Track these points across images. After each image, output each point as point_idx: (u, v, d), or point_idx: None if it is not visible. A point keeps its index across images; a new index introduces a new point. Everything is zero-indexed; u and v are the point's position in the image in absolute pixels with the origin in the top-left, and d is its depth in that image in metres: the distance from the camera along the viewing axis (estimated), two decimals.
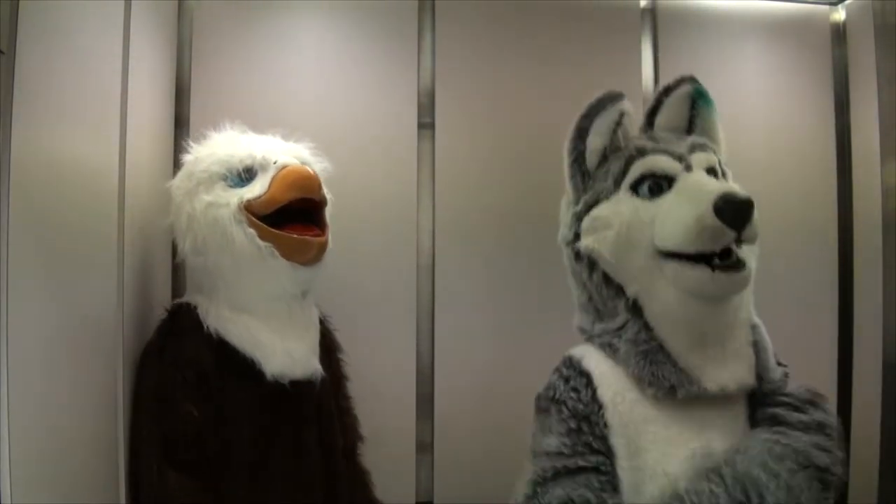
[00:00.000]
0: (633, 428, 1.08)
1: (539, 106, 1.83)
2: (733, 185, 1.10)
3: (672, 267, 1.08)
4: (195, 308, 1.30)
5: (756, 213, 1.04)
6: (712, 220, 1.02)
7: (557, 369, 1.18)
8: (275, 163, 1.30)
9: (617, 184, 1.14)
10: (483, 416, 1.76)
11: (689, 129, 1.22)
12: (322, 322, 1.47)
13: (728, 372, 1.09)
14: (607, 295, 1.15)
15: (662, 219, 1.08)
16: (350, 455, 1.50)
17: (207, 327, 1.27)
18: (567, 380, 1.14)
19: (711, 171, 1.13)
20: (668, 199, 1.09)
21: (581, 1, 1.88)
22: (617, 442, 1.08)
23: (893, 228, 1.84)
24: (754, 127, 1.92)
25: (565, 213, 1.23)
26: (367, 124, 1.76)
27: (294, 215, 1.28)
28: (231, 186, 1.29)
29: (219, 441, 1.25)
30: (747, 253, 1.09)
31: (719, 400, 1.10)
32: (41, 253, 0.96)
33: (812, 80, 1.98)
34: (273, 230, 1.26)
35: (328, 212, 1.37)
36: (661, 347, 1.09)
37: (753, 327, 1.15)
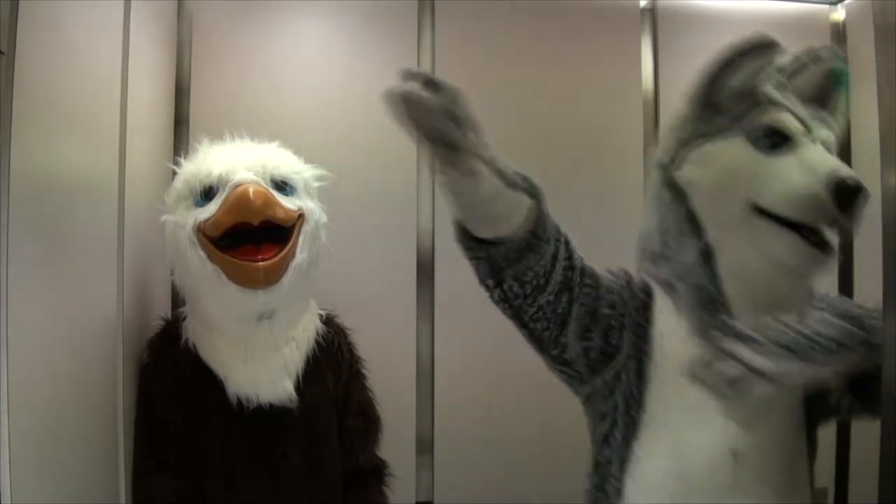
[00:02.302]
0: (672, 360, 1.06)
1: (539, 106, 1.83)
2: (843, 166, 1.06)
3: (763, 227, 1.04)
4: (183, 319, 1.34)
5: (864, 208, 1.02)
6: (825, 194, 1.00)
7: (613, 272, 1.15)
8: (231, 182, 1.24)
9: (738, 127, 1.09)
10: (483, 417, 1.75)
11: (821, 103, 1.16)
12: (325, 337, 1.40)
13: None
14: (684, 231, 1.10)
15: (772, 177, 1.04)
16: (355, 480, 1.42)
17: (186, 340, 1.30)
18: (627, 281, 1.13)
19: (827, 150, 1.10)
20: (785, 160, 1.05)
21: (581, 1, 1.88)
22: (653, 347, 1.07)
23: (893, 229, 1.84)
24: None
25: (668, 134, 1.16)
26: (368, 124, 1.76)
27: (257, 234, 1.22)
28: (194, 206, 1.27)
29: (199, 445, 1.28)
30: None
31: None
32: (40, 253, 0.95)
33: None
34: (220, 253, 1.22)
35: (317, 217, 1.33)
36: (721, 302, 1.06)
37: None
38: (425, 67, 1.82)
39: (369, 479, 1.45)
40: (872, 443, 1.18)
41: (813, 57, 1.15)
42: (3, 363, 0.83)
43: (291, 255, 1.26)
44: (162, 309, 1.49)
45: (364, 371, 1.48)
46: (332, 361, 1.41)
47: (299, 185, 1.33)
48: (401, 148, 1.78)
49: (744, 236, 1.05)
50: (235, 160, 1.27)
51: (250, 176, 1.24)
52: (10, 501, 0.83)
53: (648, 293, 1.13)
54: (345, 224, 1.44)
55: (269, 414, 1.28)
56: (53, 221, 1.00)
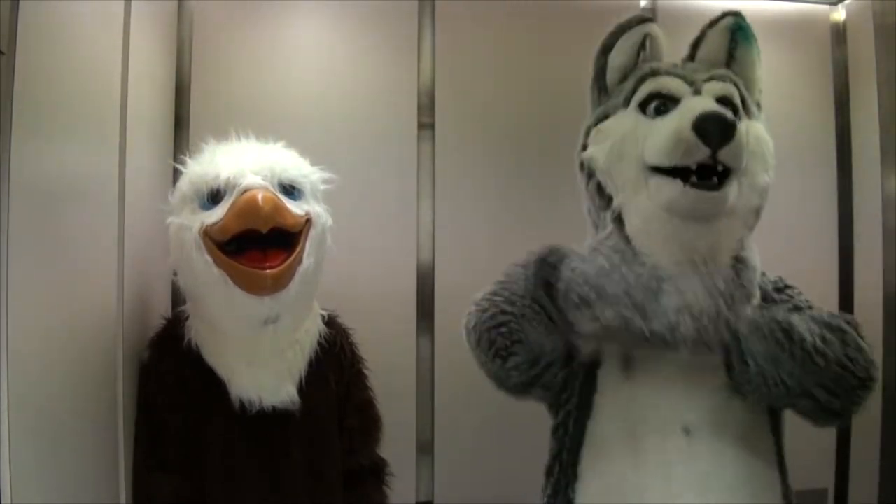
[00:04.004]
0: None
1: (539, 106, 1.83)
2: (713, 106, 1.08)
3: (654, 181, 1.09)
4: (186, 319, 1.33)
5: (739, 137, 1.04)
6: (688, 133, 1.03)
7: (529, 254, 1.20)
8: (238, 186, 1.22)
9: (627, 101, 1.16)
10: (483, 417, 1.75)
11: (729, 63, 1.23)
12: (327, 338, 1.40)
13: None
14: (599, 205, 1.18)
15: (654, 134, 1.10)
16: (355, 480, 1.42)
17: (189, 340, 1.29)
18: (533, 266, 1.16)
19: (724, 102, 1.13)
20: (668, 118, 1.10)
21: (581, 1, 1.88)
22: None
23: (894, 228, 1.84)
24: None
25: (582, 126, 1.25)
26: (368, 124, 1.76)
27: (264, 238, 1.20)
28: (201, 208, 1.25)
29: (199, 445, 1.28)
30: (747, 184, 1.10)
31: None
32: (41, 252, 0.96)
33: (812, 80, 1.98)
34: (227, 259, 1.20)
35: (323, 221, 1.32)
36: (634, 258, 1.10)
37: (738, 259, 1.12)
38: (425, 67, 1.83)
39: (370, 479, 1.46)
40: (872, 443, 1.18)
41: (708, 24, 1.23)
42: (3, 362, 0.83)
43: (298, 260, 1.24)
44: (163, 308, 1.49)
45: (365, 371, 1.48)
46: (334, 362, 1.41)
47: (306, 188, 1.32)
48: (401, 148, 1.79)
49: (642, 194, 1.11)
50: (243, 163, 1.26)
51: (258, 180, 1.23)
52: (10, 501, 0.83)
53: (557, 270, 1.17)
54: (345, 224, 1.44)
55: (271, 415, 1.28)
56: (53, 221, 1.00)
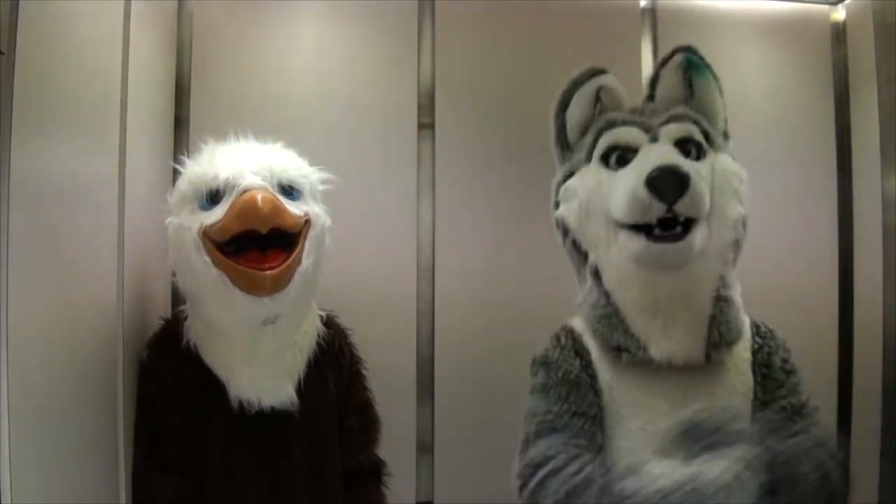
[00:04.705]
0: (613, 388, 1.14)
1: (539, 106, 1.82)
2: (675, 158, 1.09)
3: (621, 235, 1.11)
4: (184, 319, 1.33)
5: (694, 186, 1.04)
6: (642, 192, 1.05)
7: (555, 334, 1.22)
8: (238, 186, 1.22)
9: (588, 156, 1.18)
10: (484, 417, 1.75)
11: (690, 97, 1.22)
12: (325, 339, 1.40)
13: (676, 343, 1.10)
14: (577, 261, 1.21)
15: (616, 190, 1.11)
16: (354, 480, 1.43)
17: (188, 341, 1.30)
18: (561, 346, 1.19)
19: (685, 142, 1.13)
20: (628, 170, 1.11)
21: (581, 1, 1.88)
22: (605, 402, 1.14)
23: (894, 228, 1.84)
24: (754, 126, 1.92)
25: (552, 184, 1.27)
26: (368, 124, 1.76)
27: (263, 239, 1.20)
28: (200, 209, 1.25)
29: (199, 445, 1.28)
30: (717, 222, 1.10)
31: (699, 369, 1.12)
32: (41, 252, 0.96)
33: (812, 79, 1.98)
34: (226, 260, 1.20)
35: (322, 221, 1.32)
36: (615, 312, 1.14)
37: (718, 298, 1.12)
38: (425, 67, 1.83)
39: (369, 479, 1.46)
40: (873, 443, 1.18)
41: (661, 62, 1.22)
42: (3, 362, 0.83)
43: (298, 261, 1.24)
44: (162, 308, 1.49)
45: (364, 371, 1.48)
46: (333, 362, 1.41)
47: (305, 188, 1.32)
48: (401, 147, 1.79)
49: (614, 249, 1.12)
50: (242, 164, 1.25)
51: (258, 181, 1.22)
52: (10, 501, 0.83)
53: (580, 343, 1.19)
54: (345, 224, 1.44)
55: (270, 415, 1.28)
56: (53, 221, 1.00)
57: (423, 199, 1.80)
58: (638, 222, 1.07)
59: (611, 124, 1.17)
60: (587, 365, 1.15)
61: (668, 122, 1.15)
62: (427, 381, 1.78)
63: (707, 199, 1.07)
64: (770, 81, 1.97)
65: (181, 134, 1.68)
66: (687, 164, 1.07)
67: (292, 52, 1.76)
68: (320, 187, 1.37)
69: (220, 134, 1.36)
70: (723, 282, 1.13)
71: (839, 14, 2.01)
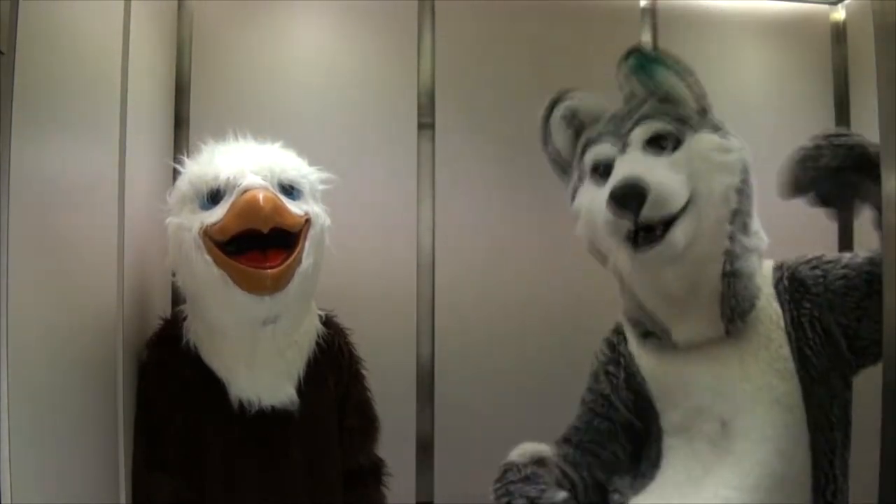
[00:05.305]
0: (657, 373, 1.23)
1: (539, 106, 1.82)
2: (636, 168, 1.11)
3: (616, 247, 1.17)
4: (184, 319, 1.33)
5: (655, 189, 1.07)
6: (607, 214, 1.10)
7: (604, 337, 1.34)
8: (238, 186, 1.22)
9: (581, 175, 1.24)
10: (484, 417, 1.75)
11: (654, 94, 1.23)
12: (325, 338, 1.40)
13: (693, 326, 1.16)
14: (608, 268, 1.25)
15: (600, 206, 1.15)
16: (354, 480, 1.43)
17: (187, 341, 1.30)
18: (601, 350, 1.31)
19: (657, 139, 1.15)
20: (608, 185, 1.14)
21: (581, 1, 1.88)
22: (650, 388, 1.23)
23: (894, 228, 1.84)
24: (754, 126, 1.91)
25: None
26: (368, 124, 1.76)
27: (263, 238, 1.20)
28: (200, 209, 1.25)
29: (199, 445, 1.28)
30: (704, 202, 1.11)
31: (725, 341, 1.16)
32: (41, 252, 0.95)
33: (812, 80, 1.98)
34: (227, 259, 1.20)
35: (322, 221, 1.32)
36: (642, 305, 1.20)
37: (725, 274, 1.13)
38: (425, 67, 1.83)
39: (369, 479, 1.46)
40: (872, 443, 1.17)
41: (617, 70, 1.23)
42: (3, 362, 0.83)
43: (298, 261, 1.24)
44: (162, 308, 1.49)
45: (363, 371, 1.48)
46: (333, 362, 1.41)
47: (306, 188, 1.32)
48: (401, 147, 1.79)
49: (622, 260, 1.18)
50: (243, 163, 1.25)
51: (258, 180, 1.23)
52: (10, 501, 0.83)
53: (622, 335, 1.29)
54: (345, 224, 1.44)
55: (270, 415, 1.28)
56: (53, 221, 1.00)
57: (423, 199, 1.80)
58: (614, 240, 1.14)
59: (588, 143, 1.23)
60: (626, 357, 1.26)
61: (637, 123, 1.17)
62: (427, 381, 1.78)
63: (677, 194, 1.10)
64: (770, 81, 1.97)
65: (181, 134, 1.68)
66: (648, 169, 1.10)
67: (292, 52, 1.76)
68: (320, 187, 1.37)
69: (220, 134, 1.36)
70: (729, 256, 1.13)
71: (839, 14, 2.01)
